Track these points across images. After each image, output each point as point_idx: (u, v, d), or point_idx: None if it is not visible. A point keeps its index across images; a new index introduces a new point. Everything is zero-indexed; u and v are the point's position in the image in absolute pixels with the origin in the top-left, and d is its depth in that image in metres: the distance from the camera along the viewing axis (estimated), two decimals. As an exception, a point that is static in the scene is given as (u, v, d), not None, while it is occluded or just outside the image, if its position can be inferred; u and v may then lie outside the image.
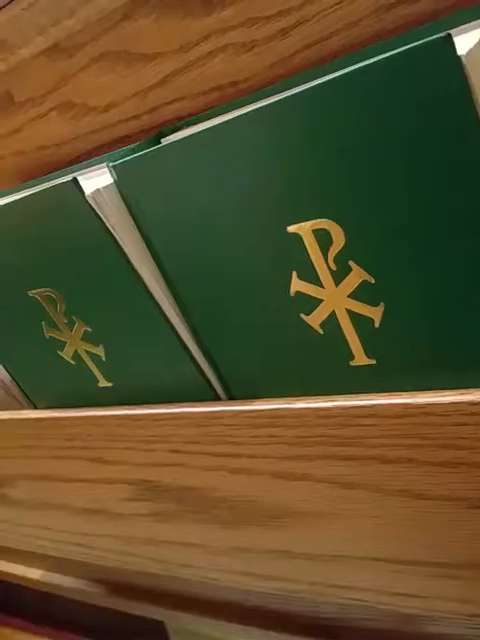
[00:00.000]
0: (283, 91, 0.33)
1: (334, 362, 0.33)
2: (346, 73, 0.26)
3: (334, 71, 0.27)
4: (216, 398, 0.39)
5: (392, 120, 0.26)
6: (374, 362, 0.32)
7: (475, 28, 0.27)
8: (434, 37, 0.24)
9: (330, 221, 0.29)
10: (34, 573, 0.76)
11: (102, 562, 0.54)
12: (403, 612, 0.38)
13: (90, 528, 0.51)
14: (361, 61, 0.26)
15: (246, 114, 0.29)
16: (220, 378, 0.38)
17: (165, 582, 0.65)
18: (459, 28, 0.28)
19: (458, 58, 0.23)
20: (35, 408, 0.50)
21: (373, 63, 0.25)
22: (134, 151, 0.35)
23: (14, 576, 0.82)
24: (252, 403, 0.36)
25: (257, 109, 0.29)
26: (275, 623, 0.57)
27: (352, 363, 0.33)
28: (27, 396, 0.49)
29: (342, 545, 0.38)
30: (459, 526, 0.33)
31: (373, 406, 0.31)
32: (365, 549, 0.37)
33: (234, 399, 0.39)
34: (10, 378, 0.50)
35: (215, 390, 0.39)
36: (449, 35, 0.23)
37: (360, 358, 0.32)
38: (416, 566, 0.36)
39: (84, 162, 0.39)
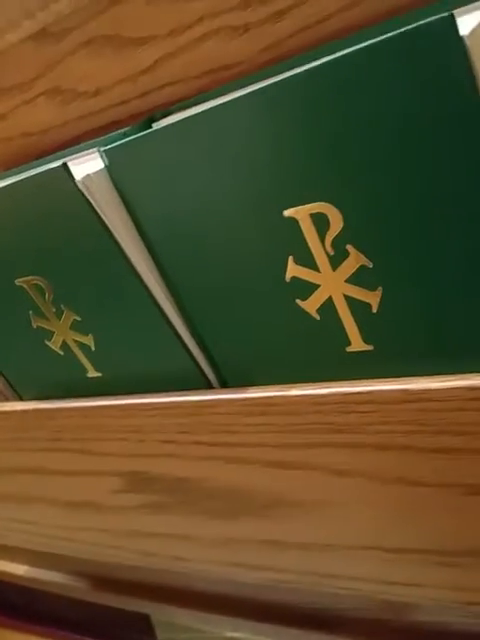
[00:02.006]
0: (278, 74, 0.32)
1: (330, 348, 0.33)
2: (343, 55, 0.26)
3: (330, 54, 0.27)
4: (209, 386, 0.39)
5: (391, 103, 0.25)
6: (371, 348, 0.32)
7: (476, 9, 0.27)
8: (436, 17, 0.23)
9: (328, 204, 0.29)
10: (18, 568, 0.75)
11: (89, 556, 0.53)
12: (398, 601, 0.38)
13: (78, 522, 0.51)
14: (358, 44, 0.26)
15: (240, 97, 0.29)
16: (213, 365, 0.38)
17: (151, 575, 0.64)
18: (459, 9, 0.28)
19: (461, 39, 0.23)
20: (21, 399, 0.49)
21: (372, 44, 0.25)
22: (125, 135, 0.35)
23: (-2, 572, 0.81)
24: (246, 391, 0.35)
25: (251, 92, 0.28)
26: (264, 614, 0.57)
27: (349, 349, 0.32)
28: (13, 387, 0.49)
29: (336, 534, 0.38)
30: (456, 513, 0.33)
31: (371, 392, 0.31)
32: (359, 538, 0.37)
33: (227, 387, 0.38)
34: (-6, 370, 0.49)
35: (208, 378, 0.38)
36: (452, 15, 0.23)
37: (357, 344, 0.32)
38: (411, 554, 0.36)
39: (73, 147, 0.38)
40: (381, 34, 0.25)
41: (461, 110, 0.24)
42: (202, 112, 0.30)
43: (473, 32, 0.24)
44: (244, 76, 0.34)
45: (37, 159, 0.42)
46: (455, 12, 0.25)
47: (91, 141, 0.37)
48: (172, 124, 0.31)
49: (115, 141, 0.33)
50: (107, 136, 0.36)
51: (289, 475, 0.37)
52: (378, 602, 0.49)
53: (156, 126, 0.36)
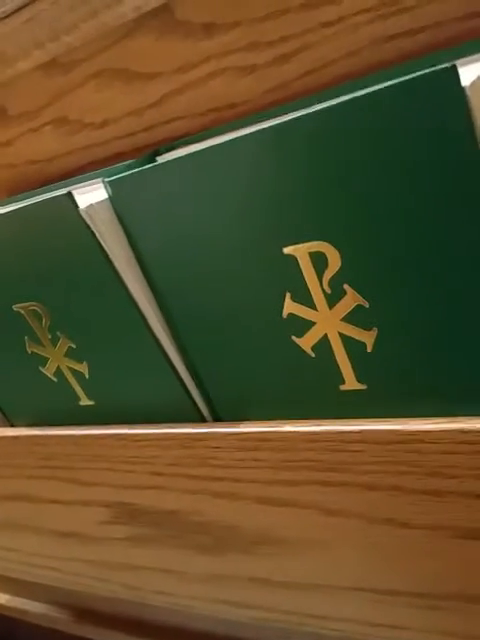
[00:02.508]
0: (281, 115, 0.33)
1: (324, 386, 0.33)
2: (347, 100, 0.26)
3: (332, 98, 0.28)
4: (201, 419, 0.39)
5: (391, 148, 0.26)
6: (365, 387, 0.32)
7: (477, 60, 0.28)
8: (439, 67, 0.24)
9: (326, 244, 0.29)
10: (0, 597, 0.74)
11: (73, 587, 0.53)
12: (383, 644, 0.37)
13: (62, 551, 0.50)
14: (360, 89, 0.26)
15: (245, 136, 0.29)
16: (206, 398, 0.38)
17: (133, 608, 0.63)
18: (460, 60, 0.29)
19: (462, 89, 0.24)
20: (11, 425, 0.49)
21: (375, 91, 0.26)
22: (129, 168, 0.35)
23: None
24: (238, 425, 0.35)
25: (255, 132, 0.29)
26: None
27: (342, 387, 0.33)
28: (3, 412, 0.48)
29: (323, 574, 0.37)
30: (443, 556, 0.33)
31: (362, 431, 0.31)
32: (347, 578, 0.37)
33: (220, 420, 0.38)
34: (-15, 394, 0.49)
35: (200, 411, 0.38)
36: (454, 66, 0.24)
37: (351, 382, 0.32)
38: (398, 596, 0.35)
39: (77, 177, 0.38)
40: (382, 82, 0.26)
41: (459, 158, 0.25)
42: (206, 149, 0.30)
43: (474, 83, 0.24)
44: (249, 115, 0.35)
45: (41, 187, 0.42)
46: (456, 63, 0.26)
47: (95, 171, 0.37)
48: (175, 159, 0.31)
49: (119, 173, 0.33)
50: (111, 167, 0.37)
51: (279, 512, 0.36)
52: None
53: (160, 160, 0.36)
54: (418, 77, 0.24)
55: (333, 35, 0.32)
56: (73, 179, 0.39)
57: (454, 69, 0.24)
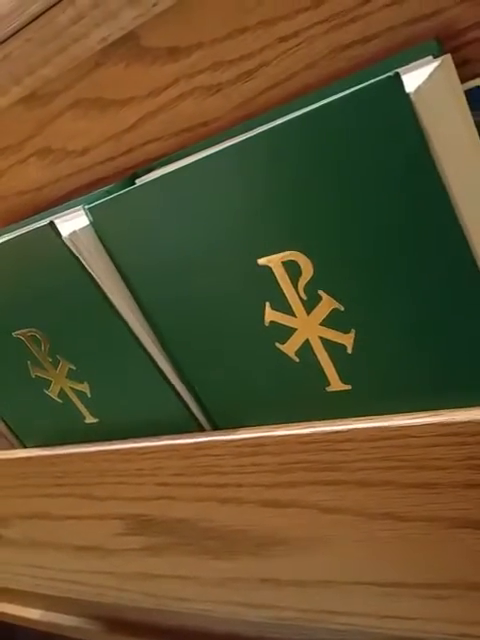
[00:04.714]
0: (249, 130, 0.34)
1: (311, 389, 0.34)
2: (300, 115, 0.27)
3: (297, 109, 0.29)
4: (200, 429, 0.40)
5: (350, 156, 0.27)
6: (349, 387, 0.33)
7: (423, 66, 0.28)
8: (383, 76, 0.25)
9: (298, 253, 0.30)
10: (34, 613, 0.76)
11: (97, 599, 0.54)
12: (393, 635, 0.38)
13: (83, 565, 0.51)
14: (323, 99, 0.27)
15: (215, 153, 0.30)
16: (203, 409, 0.39)
17: (161, 617, 0.65)
18: (409, 65, 0.29)
19: (407, 95, 0.25)
20: (24, 447, 0.50)
21: (324, 105, 0.26)
22: (109, 193, 0.37)
23: (14, 616, 0.81)
24: (235, 432, 0.36)
25: (225, 148, 0.30)
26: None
27: (328, 389, 0.33)
28: (16, 435, 0.50)
29: (330, 570, 0.38)
30: (441, 546, 0.33)
31: (350, 430, 0.32)
32: (352, 573, 0.37)
33: (218, 429, 0.39)
34: (-1, 418, 0.51)
35: (199, 421, 0.40)
36: (397, 74, 0.25)
37: (336, 384, 0.33)
38: (402, 588, 0.36)
39: (62, 205, 0.40)
40: (343, 90, 0.26)
41: (413, 161, 0.26)
42: (180, 168, 0.31)
43: (419, 89, 0.25)
44: (219, 132, 0.36)
45: (32, 216, 0.44)
46: (402, 70, 0.26)
47: (77, 199, 0.39)
48: (151, 181, 0.33)
49: (100, 198, 0.34)
50: (93, 193, 0.38)
51: (282, 513, 0.37)
52: (377, 636, 0.49)
53: (139, 182, 0.38)
54: (365, 87, 0.25)
55: (291, 49, 0.33)
56: (60, 207, 0.41)
57: (397, 77, 0.25)
